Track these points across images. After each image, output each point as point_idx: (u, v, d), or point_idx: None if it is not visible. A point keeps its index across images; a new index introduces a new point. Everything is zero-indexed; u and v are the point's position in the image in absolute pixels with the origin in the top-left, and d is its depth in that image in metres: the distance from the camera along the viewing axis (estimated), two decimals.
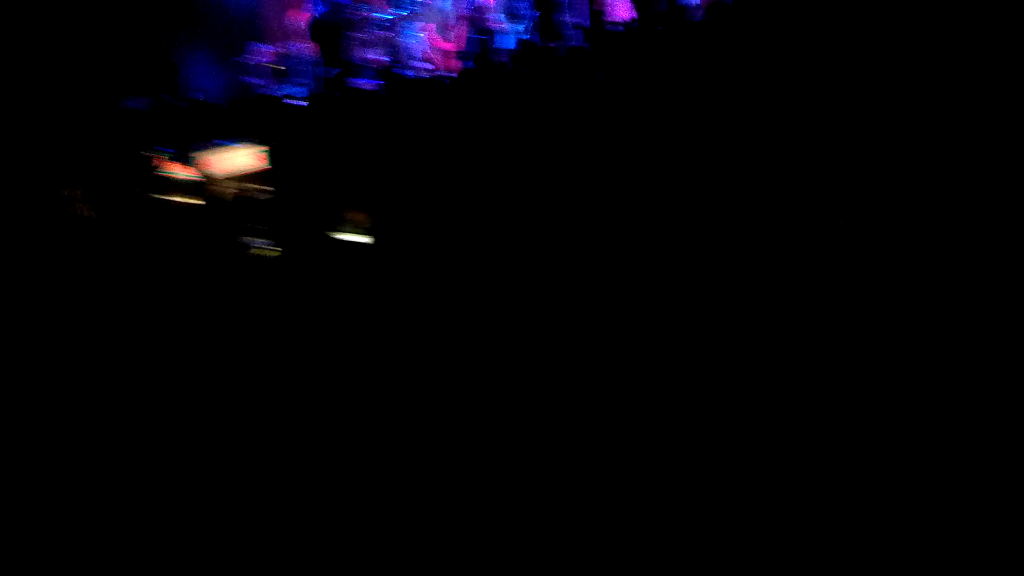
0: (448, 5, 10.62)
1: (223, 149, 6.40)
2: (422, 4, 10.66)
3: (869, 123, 4.98)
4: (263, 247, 4.50)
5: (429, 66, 9.35)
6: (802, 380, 2.96)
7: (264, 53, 10.72)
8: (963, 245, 3.14)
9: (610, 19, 9.66)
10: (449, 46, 10.30)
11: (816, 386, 2.92)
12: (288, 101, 8.37)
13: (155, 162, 6.02)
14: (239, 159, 6.35)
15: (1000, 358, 2.82)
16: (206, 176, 5.54)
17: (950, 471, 2.64)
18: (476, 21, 10.41)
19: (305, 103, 8.73)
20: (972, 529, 2.50)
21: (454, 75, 8.52)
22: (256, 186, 5.84)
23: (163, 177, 5.89)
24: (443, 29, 10.50)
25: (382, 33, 10.54)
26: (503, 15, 10.40)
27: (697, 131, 5.79)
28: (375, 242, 4.31)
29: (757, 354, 3.04)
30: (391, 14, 10.71)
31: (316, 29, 10.09)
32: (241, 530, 2.89)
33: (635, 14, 9.52)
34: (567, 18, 10.23)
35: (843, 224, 3.32)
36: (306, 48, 10.03)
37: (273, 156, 6.30)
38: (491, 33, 10.24)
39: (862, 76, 5.89)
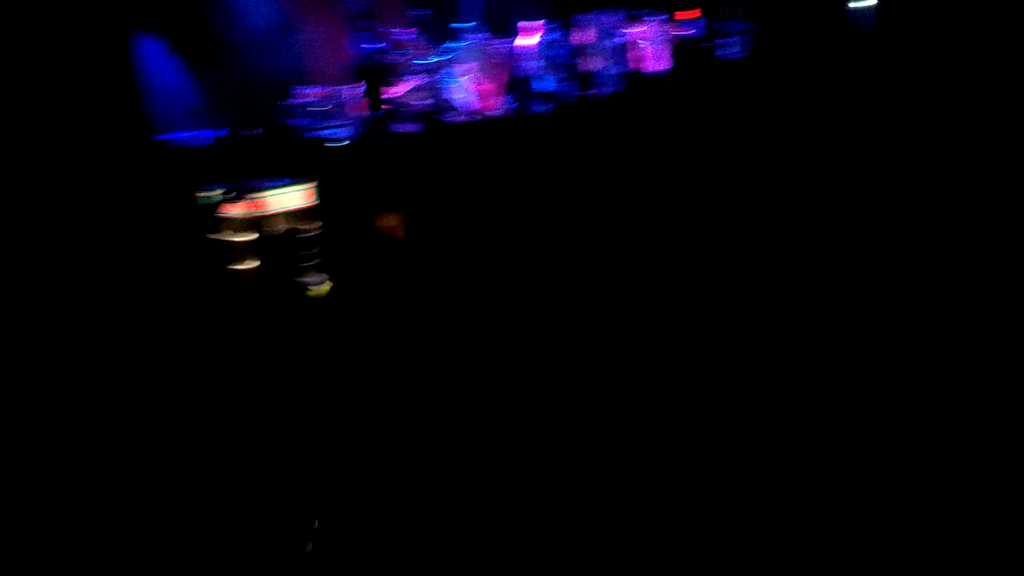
0: (488, 51, 10.92)
1: (273, 188, 6.64)
2: (463, 49, 10.96)
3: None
4: (315, 282, 4.71)
5: (470, 111, 9.61)
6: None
7: (310, 95, 11.05)
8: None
9: (647, 70, 9.92)
10: (489, 91, 10.59)
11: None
12: (333, 142, 8.65)
13: (208, 199, 6.24)
14: (288, 197, 6.58)
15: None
16: (257, 214, 5.77)
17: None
18: (515, 68, 10.70)
19: (348, 143, 9.00)
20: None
21: (494, 119, 8.77)
22: (306, 223, 6.06)
23: (215, 214, 6.12)
24: (484, 75, 10.80)
25: (424, 77, 10.84)
26: (542, 62, 10.69)
27: (722, 171, 5.96)
28: (415, 276, 4.48)
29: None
30: (433, 58, 11.02)
31: (359, 72, 10.38)
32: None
33: (671, 64, 9.79)
34: (604, 68, 10.52)
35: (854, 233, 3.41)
36: (349, 91, 10.31)
37: (321, 194, 6.52)
38: (530, 79, 10.53)
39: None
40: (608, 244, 4.10)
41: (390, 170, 7.28)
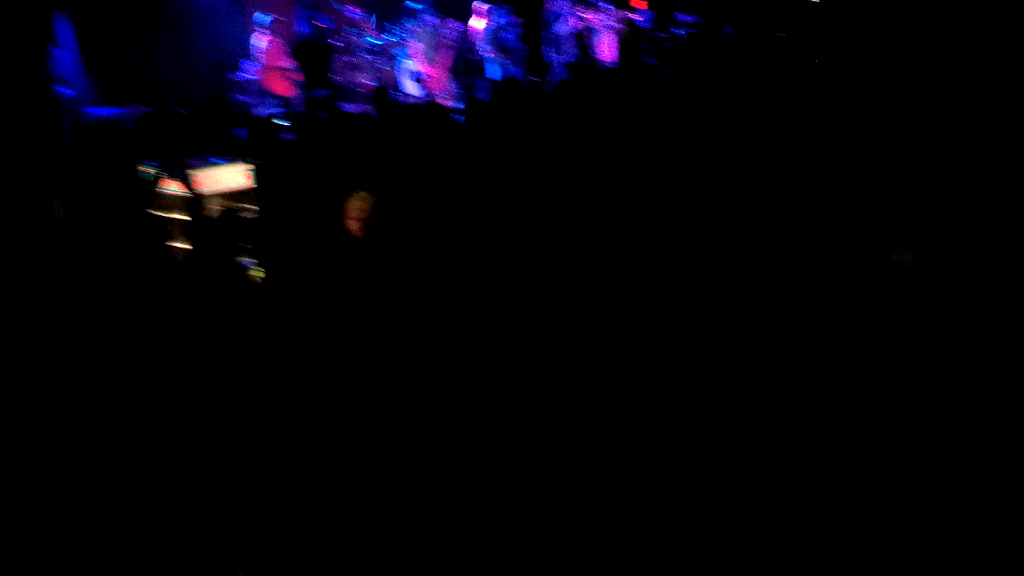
0: (437, 34, 10.81)
1: (211, 166, 6.49)
2: (412, 31, 10.83)
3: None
4: (250, 266, 4.59)
5: (417, 92, 9.51)
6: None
7: (254, 70, 10.83)
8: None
9: (597, 56, 9.90)
10: (435, 73, 10.49)
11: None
12: (276, 121, 8.48)
13: (144, 175, 6.08)
14: (227, 177, 6.44)
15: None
16: (194, 192, 5.62)
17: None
18: (464, 51, 10.60)
19: (290, 123, 8.85)
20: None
21: (441, 101, 8.68)
22: (243, 204, 5.92)
23: (151, 192, 5.95)
24: (432, 56, 10.68)
25: (371, 57, 10.69)
26: (491, 46, 10.61)
27: (679, 160, 5.95)
28: (365, 259, 4.40)
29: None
30: (381, 39, 10.88)
31: (299, 50, 10.16)
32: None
33: (617, 53, 9.77)
34: (553, 54, 10.46)
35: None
36: (293, 69, 10.14)
37: (260, 175, 6.38)
38: (479, 63, 10.44)
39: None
40: (561, 235, 4.04)
41: (333, 152, 7.14)
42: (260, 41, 10.29)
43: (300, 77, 9.70)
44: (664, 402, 3.10)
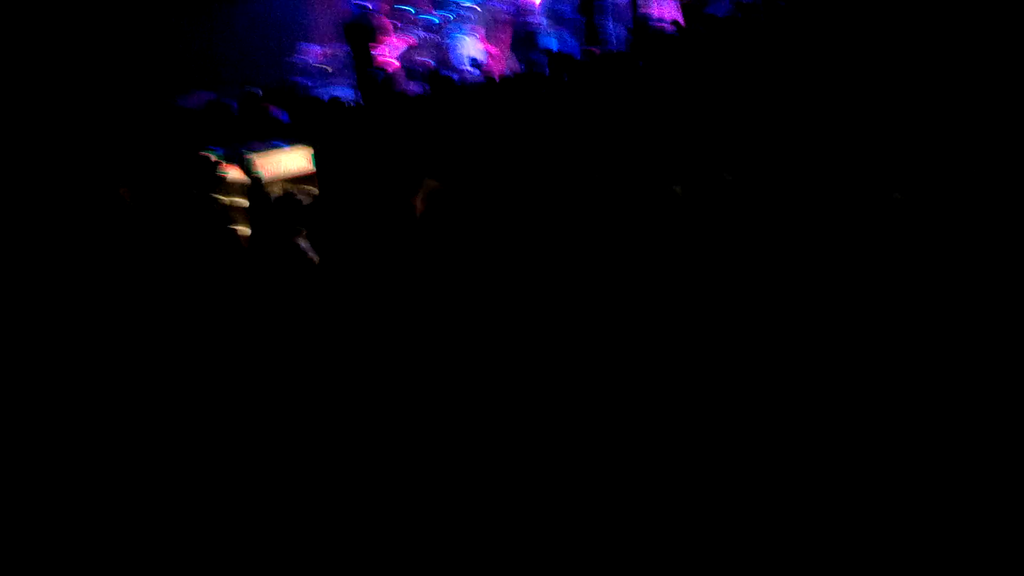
0: (493, 9, 10.72)
1: (273, 150, 6.56)
2: (468, 7, 10.77)
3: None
4: (307, 250, 4.63)
5: (475, 70, 9.45)
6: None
7: (313, 53, 10.91)
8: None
9: (654, 23, 9.70)
10: (494, 50, 10.41)
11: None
12: (336, 102, 8.52)
13: (206, 161, 6.17)
14: (288, 160, 6.50)
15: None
16: (256, 177, 5.68)
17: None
18: (521, 25, 10.50)
19: (352, 104, 8.90)
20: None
21: (499, 78, 8.62)
22: (304, 187, 5.98)
23: (214, 176, 6.04)
24: (489, 32, 10.61)
25: (427, 35, 10.67)
26: (547, 19, 10.48)
27: (731, 132, 5.82)
28: (415, 245, 4.40)
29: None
30: (436, 17, 10.84)
31: (349, 30, 10.04)
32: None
33: (680, 18, 9.55)
34: (610, 23, 10.28)
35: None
36: (350, 49, 10.14)
37: (321, 158, 6.44)
38: (535, 36, 10.33)
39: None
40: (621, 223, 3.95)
41: (394, 134, 7.16)
42: None
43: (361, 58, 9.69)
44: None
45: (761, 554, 2.62)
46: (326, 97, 8.57)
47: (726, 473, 2.78)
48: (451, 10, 10.80)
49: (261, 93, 8.30)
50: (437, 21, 10.73)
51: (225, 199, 6.01)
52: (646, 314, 3.37)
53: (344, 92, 9.70)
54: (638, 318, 3.36)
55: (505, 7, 10.69)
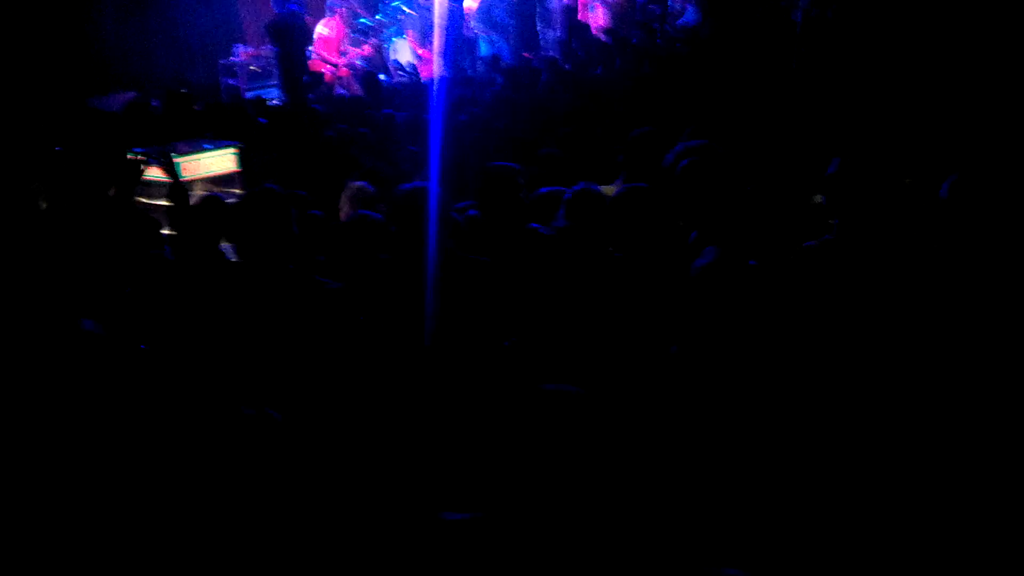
0: (428, 13, 10.68)
1: (197, 151, 6.41)
2: (403, 11, 10.71)
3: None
4: (229, 253, 4.51)
5: (408, 72, 9.38)
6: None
7: (243, 54, 10.73)
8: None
9: (595, 32, 9.76)
10: (427, 54, 10.36)
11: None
12: (260, 102, 8.38)
13: (128, 162, 6.00)
14: (212, 162, 6.35)
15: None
16: (178, 178, 5.53)
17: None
18: (455, 29, 10.47)
19: (279, 105, 8.76)
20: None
21: (432, 82, 8.57)
22: (228, 190, 5.86)
23: (136, 177, 5.86)
24: (423, 36, 10.56)
25: (361, 38, 10.58)
26: (482, 24, 10.47)
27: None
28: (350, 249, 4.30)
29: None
30: (372, 20, 10.76)
31: (274, 30, 9.76)
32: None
33: (610, 26, 9.64)
34: (545, 30, 10.32)
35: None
36: (282, 50, 9.98)
37: (245, 159, 6.31)
38: (470, 42, 10.30)
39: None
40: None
41: (323, 136, 7.05)
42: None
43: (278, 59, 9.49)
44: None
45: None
46: (254, 97, 8.44)
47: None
48: (387, 14, 10.73)
49: (186, 93, 8.08)
50: (372, 24, 10.66)
51: (146, 200, 5.85)
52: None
53: (272, 93, 9.55)
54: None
55: (441, 12, 10.66)
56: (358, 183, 4.92)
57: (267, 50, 10.42)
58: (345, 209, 4.83)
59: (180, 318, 3.97)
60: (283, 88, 9.22)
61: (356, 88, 9.44)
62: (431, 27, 10.46)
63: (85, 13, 10.15)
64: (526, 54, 9.22)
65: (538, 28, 10.22)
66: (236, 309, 4.00)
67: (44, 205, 5.47)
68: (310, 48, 9.86)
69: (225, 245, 4.48)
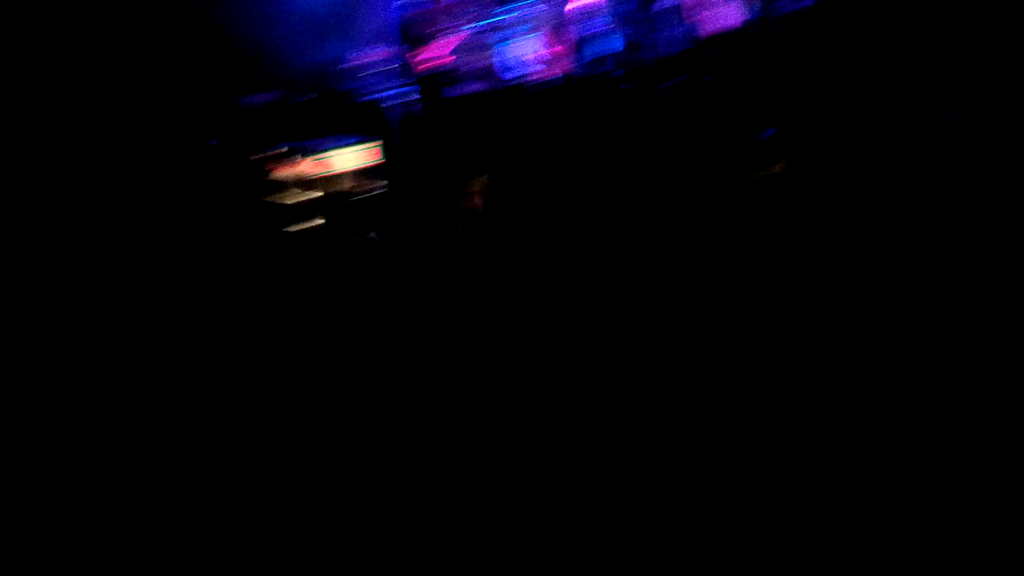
0: (556, 9, 10.72)
1: (336, 148, 6.62)
2: (530, 7, 10.77)
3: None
4: (376, 243, 4.67)
5: (537, 71, 9.45)
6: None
7: (373, 54, 11.00)
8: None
9: (715, 27, 9.64)
10: (557, 50, 10.40)
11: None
12: (391, 104, 8.58)
13: (270, 160, 6.24)
14: (352, 157, 6.55)
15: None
16: (320, 174, 5.75)
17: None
18: (581, 26, 10.48)
19: (413, 105, 8.94)
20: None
21: (562, 79, 8.62)
22: (369, 183, 6.04)
23: (277, 175, 6.11)
24: (551, 33, 10.60)
25: (489, 35, 10.69)
26: (612, 17, 10.45)
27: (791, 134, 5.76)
28: (481, 242, 4.41)
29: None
30: (499, 16, 10.86)
31: (409, 32, 10.06)
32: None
33: (740, 23, 9.48)
34: (673, 26, 10.24)
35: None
36: (400, 53, 10.19)
37: (385, 153, 6.49)
38: (600, 36, 10.30)
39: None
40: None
41: (453, 132, 7.20)
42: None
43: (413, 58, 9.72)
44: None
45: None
46: (383, 97, 8.65)
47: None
48: (513, 10, 10.81)
49: (323, 94, 8.36)
50: (500, 21, 10.75)
51: (292, 196, 6.08)
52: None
53: (401, 91, 9.76)
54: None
55: (568, 8, 10.68)
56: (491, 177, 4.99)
57: (388, 50, 10.65)
58: (479, 202, 4.90)
59: (322, 303, 4.13)
60: (417, 86, 9.43)
61: (471, 86, 9.56)
62: (560, 22, 10.50)
63: (234, 19, 10.55)
64: (654, 50, 9.16)
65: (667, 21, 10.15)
66: (382, 295, 4.14)
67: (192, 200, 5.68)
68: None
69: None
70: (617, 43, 9.99)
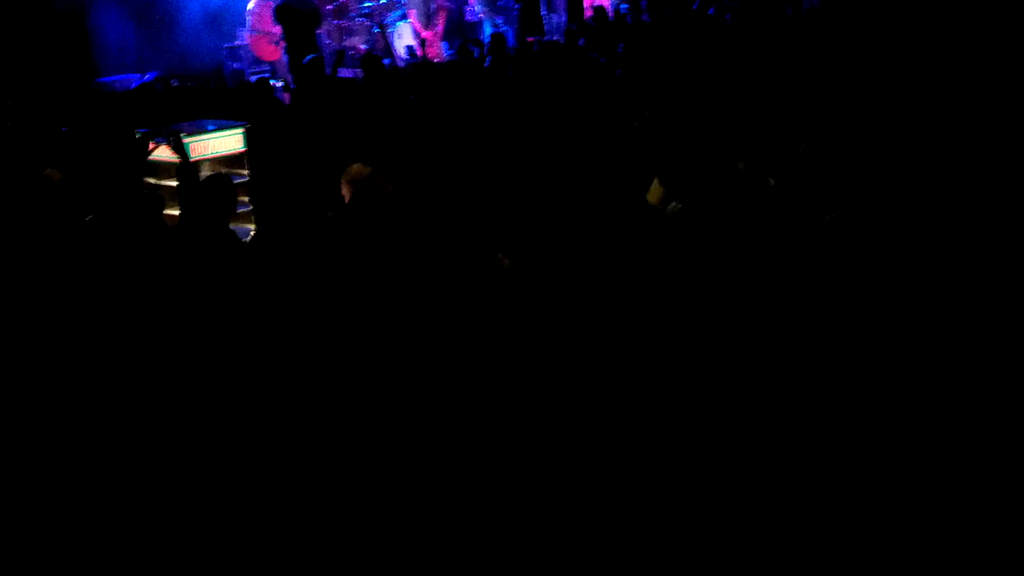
0: None
1: (204, 132, 6.45)
2: None
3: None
4: (244, 232, 4.58)
5: (408, 56, 9.41)
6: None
7: (247, 37, 10.75)
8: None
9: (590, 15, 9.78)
10: (430, 35, 10.37)
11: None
12: (265, 83, 8.41)
13: (137, 143, 6.05)
14: (219, 142, 6.40)
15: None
16: (186, 158, 5.59)
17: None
18: (457, 12, 10.49)
19: (283, 88, 8.80)
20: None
21: (435, 64, 8.60)
22: (235, 170, 5.91)
23: (144, 159, 5.92)
24: (425, 19, 10.56)
25: (363, 21, 10.58)
26: (485, 6, 10.49)
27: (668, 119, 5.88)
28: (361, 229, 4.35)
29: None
30: (373, 2, 10.76)
31: (282, 14, 9.82)
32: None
33: (614, 10, 9.67)
34: (547, 13, 10.34)
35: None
36: (282, 34, 10.01)
37: (252, 139, 6.36)
38: (472, 24, 10.33)
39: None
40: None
41: (327, 119, 7.10)
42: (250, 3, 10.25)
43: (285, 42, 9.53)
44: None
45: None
46: (256, 80, 8.47)
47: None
48: None
49: (192, 76, 8.15)
50: (373, 6, 10.65)
51: (154, 181, 5.91)
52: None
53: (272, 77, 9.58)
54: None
55: None
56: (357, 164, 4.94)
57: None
58: (347, 192, 4.85)
59: (187, 295, 4.04)
60: (291, 70, 9.27)
61: (345, 71, 9.46)
62: (435, 10, 10.47)
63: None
64: (530, 38, 9.24)
65: (542, 13, 10.25)
66: (245, 286, 4.07)
67: (58, 183, 5.45)
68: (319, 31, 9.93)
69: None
70: (488, 30, 10.04)
